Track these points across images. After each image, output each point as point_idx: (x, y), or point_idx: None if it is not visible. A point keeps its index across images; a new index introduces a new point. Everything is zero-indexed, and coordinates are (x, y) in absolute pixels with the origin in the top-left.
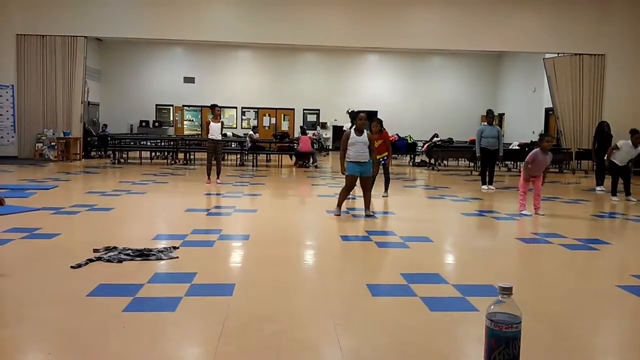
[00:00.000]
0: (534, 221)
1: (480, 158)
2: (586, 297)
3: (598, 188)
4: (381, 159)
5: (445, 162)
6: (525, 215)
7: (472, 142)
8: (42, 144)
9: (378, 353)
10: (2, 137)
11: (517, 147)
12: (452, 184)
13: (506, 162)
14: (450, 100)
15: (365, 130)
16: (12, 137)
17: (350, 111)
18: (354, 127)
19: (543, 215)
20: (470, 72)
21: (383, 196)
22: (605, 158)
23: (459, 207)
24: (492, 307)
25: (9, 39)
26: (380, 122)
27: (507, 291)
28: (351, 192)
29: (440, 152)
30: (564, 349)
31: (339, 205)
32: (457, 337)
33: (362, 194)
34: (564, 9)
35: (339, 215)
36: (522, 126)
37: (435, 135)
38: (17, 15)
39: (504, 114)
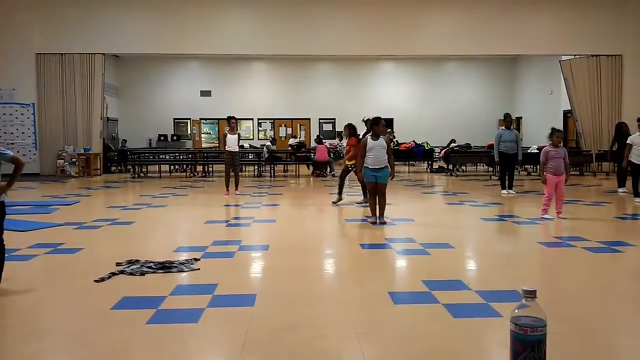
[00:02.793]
0: (556, 225)
1: (499, 162)
2: (611, 300)
3: (620, 190)
4: (350, 166)
5: (463, 167)
6: (547, 219)
7: (491, 146)
8: (63, 161)
9: None
10: (24, 155)
11: (536, 151)
12: (471, 190)
13: (525, 166)
14: (466, 105)
15: (381, 136)
16: (34, 154)
17: (366, 119)
18: (370, 133)
19: (565, 218)
20: (486, 77)
21: (357, 204)
22: (624, 159)
23: (479, 213)
24: (517, 311)
25: (28, 58)
26: (351, 126)
27: (531, 294)
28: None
29: (458, 157)
30: (590, 352)
31: (373, 212)
32: (481, 343)
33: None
34: (580, 10)
35: (375, 222)
36: (541, 129)
37: (453, 141)
38: (36, 35)
39: (521, 117)
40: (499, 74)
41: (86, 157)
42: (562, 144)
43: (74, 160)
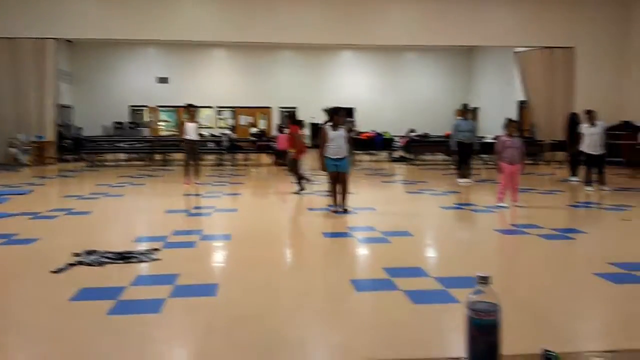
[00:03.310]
0: (512, 213)
1: (457, 152)
2: (564, 286)
3: (573, 178)
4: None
5: (422, 156)
6: (503, 207)
7: (449, 136)
8: (15, 149)
9: (365, 347)
10: None
11: (492, 140)
12: (429, 179)
13: (482, 155)
14: (425, 95)
15: (342, 126)
16: None
17: (327, 109)
18: (329, 123)
19: (520, 206)
20: (444, 67)
21: (294, 193)
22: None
23: (437, 201)
24: (472, 296)
25: None
26: (292, 115)
27: (485, 280)
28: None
29: (418, 146)
30: (543, 336)
31: (334, 201)
32: (440, 328)
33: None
34: (533, 3)
35: (336, 211)
36: (497, 119)
37: (412, 131)
38: None
39: (478, 108)
40: (457, 65)
41: (39, 145)
42: (517, 134)
43: (26, 148)
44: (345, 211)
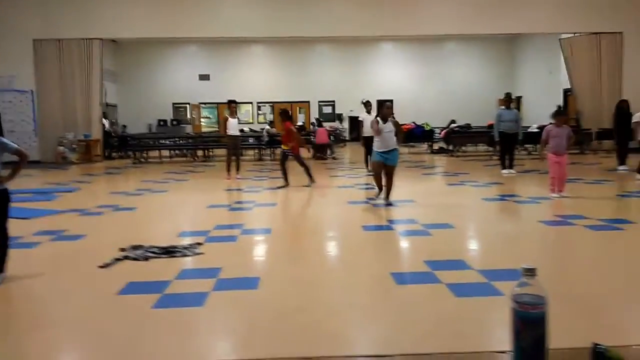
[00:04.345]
0: (557, 203)
1: (500, 142)
2: (613, 277)
3: (621, 167)
4: (286, 151)
5: (463, 148)
6: (554, 197)
7: (491, 126)
8: (63, 147)
9: (407, 340)
10: (24, 142)
11: (536, 130)
12: (471, 170)
13: (526, 146)
14: (466, 85)
15: (389, 119)
16: (34, 141)
17: (365, 101)
18: (378, 115)
19: (566, 197)
20: (486, 56)
21: (306, 186)
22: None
23: (479, 193)
24: (517, 288)
25: (26, 45)
26: (284, 112)
27: (531, 272)
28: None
29: (459, 138)
30: (592, 329)
31: (379, 187)
32: (484, 321)
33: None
34: None
35: (375, 198)
36: (541, 108)
37: (453, 122)
38: (33, 21)
39: (521, 96)
40: (499, 53)
41: (86, 144)
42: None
43: (74, 146)
44: (389, 205)
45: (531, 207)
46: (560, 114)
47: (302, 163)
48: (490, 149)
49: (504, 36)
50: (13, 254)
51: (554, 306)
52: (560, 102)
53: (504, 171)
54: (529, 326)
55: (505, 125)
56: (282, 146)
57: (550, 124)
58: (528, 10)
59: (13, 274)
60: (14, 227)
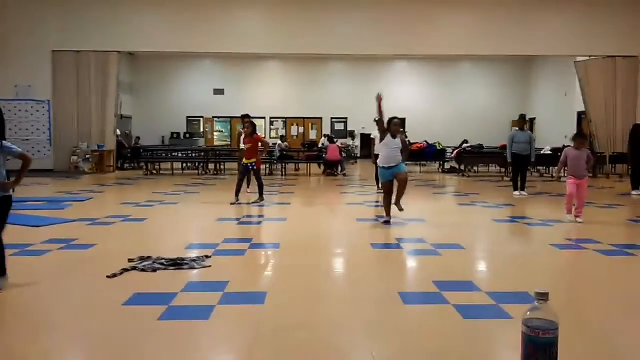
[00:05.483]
0: (568, 227)
1: (512, 164)
2: (624, 304)
3: (634, 192)
4: (249, 164)
5: (475, 168)
6: (568, 218)
7: (503, 147)
8: (77, 157)
9: None
10: (38, 151)
11: (549, 152)
12: (483, 190)
13: (538, 168)
14: (479, 105)
15: (398, 135)
16: (49, 150)
17: (377, 119)
18: (387, 132)
19: (581, 222)
20: (500, 77)
21: (253, 203)
22: None
23: (490, 214)
24: (529, 313)
25: (45, 56)
26: (252, 124)
27: (543, 297)
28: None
29: (470, 158)
30: (601, 356)
31: (387, 213)
32: (491, 344)
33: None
34: (596, 11)
35: (389, 223)
36: (554, 131)
37: (465, 142)
38: (52, 32)
39: (534, 118)
40: (513, 75)
41: (100, 154)
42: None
43: (87, 157)
44: (400, 210)
45: (542, 230)
46: (580, 137)
47: (259, 178)
48: (502, 170)
49: (519, 57)
50: (20, 261)
51: (564, 332)
52: (574, 124)
53: (516, 193)
54: (540, 351)
55: (519, 147)
56: (245, 160)
57: (568, 146)
58: (544, 33)
59: (19, 281)
60: (25, 234)
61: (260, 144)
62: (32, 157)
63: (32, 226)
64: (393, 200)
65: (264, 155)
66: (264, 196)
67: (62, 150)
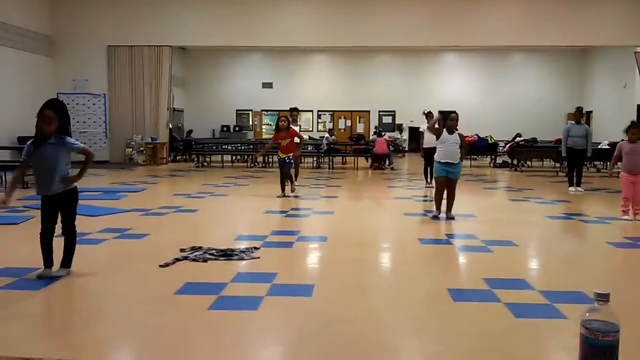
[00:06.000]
0: (626, 225)
1: (567, 158)
2: None
3: None
4: (287, 158)
5: (528, 162)
6: (626, 219)
7: (558, 141)
8: (131, 149)
9: (457, 358)
10: (95, 143)
11: (607, 147)
12: (536, 186)
13: (595, 163)
14: (533, 98)
15: (455, 131)
16: (104, 142)
17: (426, 112)
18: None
19: (638, 220)
20: (554, 69)
21: (291, 191)
22: None
23: (544, 210)
24: (588, 314)
25: (101, 51)
26: (289, 118)
27: (603, 298)
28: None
29: (524, 152)
30: None
31: (437, 207)
32: (544, 344)
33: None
34: None
35: (437, 217)
36: (612, 124)
37: (518, 135)
38: (108, 28)
39: (591, 111)
40: (568, 66)
41: (153, 146)
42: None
43: (141, 149)
44: (451, 219)
45: (599, 228)
46: (635, 127)
47: (296, 170)
48: (557, 165)
49: (574, 48)
50: (78, 250)
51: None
52: (634, 117)
53: (571, 188)
54: (598, 354)
55: (574, 141)
56: (281, 154)
57: (623, 140)
58: (600, 22)
59: (76, 270)
60: (82, 223)
61: (296, 137)
62: (94, 152)
63: (89, 215)
64: (444, 195)
65: (300, 150)
66: (295, 186)
67: (117, 142)
